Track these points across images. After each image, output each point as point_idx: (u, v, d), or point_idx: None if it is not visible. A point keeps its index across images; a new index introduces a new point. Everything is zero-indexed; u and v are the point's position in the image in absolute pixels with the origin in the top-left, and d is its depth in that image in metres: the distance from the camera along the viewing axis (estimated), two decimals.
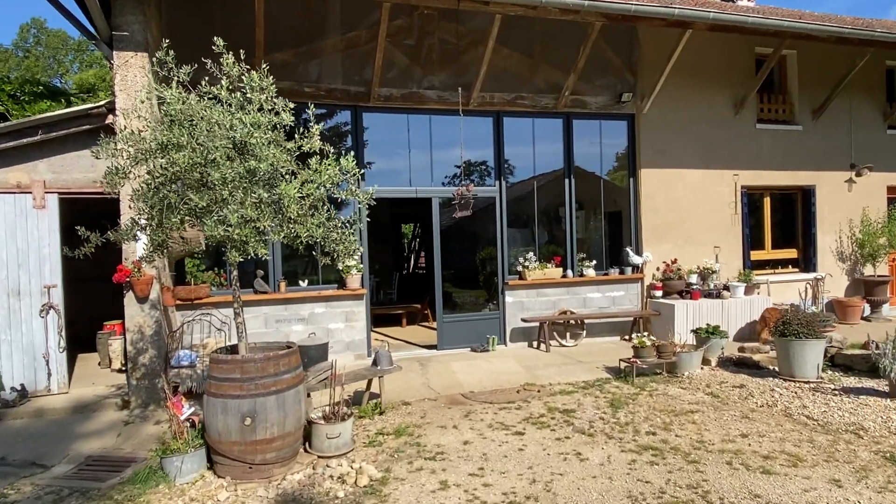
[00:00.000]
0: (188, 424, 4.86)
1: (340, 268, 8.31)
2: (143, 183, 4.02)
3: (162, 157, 3.82)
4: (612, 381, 7.25)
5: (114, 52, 6.30)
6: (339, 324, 8.41)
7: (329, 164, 4.38)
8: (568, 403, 6.34)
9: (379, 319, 11.87)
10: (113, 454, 5.16)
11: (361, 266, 8.43)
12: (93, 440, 5.59)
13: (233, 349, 4.96)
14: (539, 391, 6.83)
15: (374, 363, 6.28)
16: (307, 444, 5.04)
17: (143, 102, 4.29)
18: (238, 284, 4.66)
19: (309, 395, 5.55)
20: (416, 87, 8.77)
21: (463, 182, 8.65)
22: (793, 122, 11.05)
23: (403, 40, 8.53)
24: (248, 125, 3.80)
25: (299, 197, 4.20)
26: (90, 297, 8.69)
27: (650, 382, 7.12)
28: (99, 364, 8.04)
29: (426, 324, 11.99)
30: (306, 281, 8.43)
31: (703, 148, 10.28)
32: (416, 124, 9.02)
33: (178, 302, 7.58)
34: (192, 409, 4.76)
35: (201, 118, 3.89)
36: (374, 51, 8.00)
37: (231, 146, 3.91)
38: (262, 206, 3.99)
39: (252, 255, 3.94)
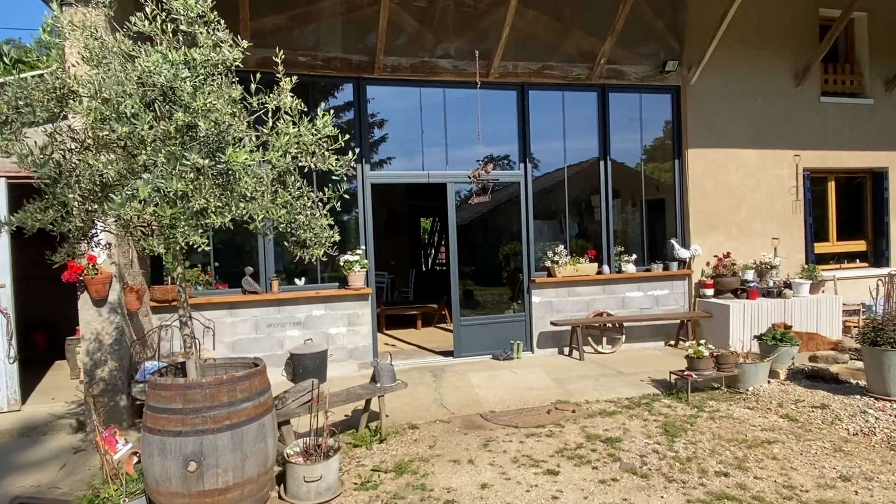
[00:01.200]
0: (134, 460, 3.84)
1: (342, 263, 7.24)
2: (39, 148, 2.96)
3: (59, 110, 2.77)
4: (661, 397, 6.04)
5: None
6: (340, 328, 7.33)
7: (301, 127, 3.27)
8: (611, 429, 5.15)
9: (392, 321, 10.79)
10: (45, 496, 4.14)
11: (366, 262, 7.34)
12: (31, 473, 4.59)
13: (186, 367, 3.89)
14: (574, 411, 5.66)
15: (373, 379, 5.18)
16: (282, 489, 3.96)
17: (63, 40, 3.22)
18: (185, 284, 3.58)
19: (288, 423, 4.47)
20: (427, 55, 7.63)
21: (480, 161, 7.48)
22: (862, 94, 9.61)
23: (413, 2, 7.40)
24: (176, 63, 2.71)
25: (272, 166, 3.14)
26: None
27: (708, 400, 5.88)
28: (71, 374, 7.10)
29: (444, 325, 10.87)
30: (303, 279, 7.37)
31: (758, 125, 8.93)
32: (429, 99, 7.88)
33: (155, 303, 6.59)
34: (129, 445, 3.70)
35: (116, 55, 2.82)
36: (377, 13, 6.88)
37: (159, 95, 2.83)
38: (202, 178, 2.89)
39: (182, 244, 2.85)
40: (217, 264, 7.16)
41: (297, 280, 7.36)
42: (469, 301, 15.60)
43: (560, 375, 6.95)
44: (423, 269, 19.31)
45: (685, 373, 6.00)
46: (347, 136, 3.68)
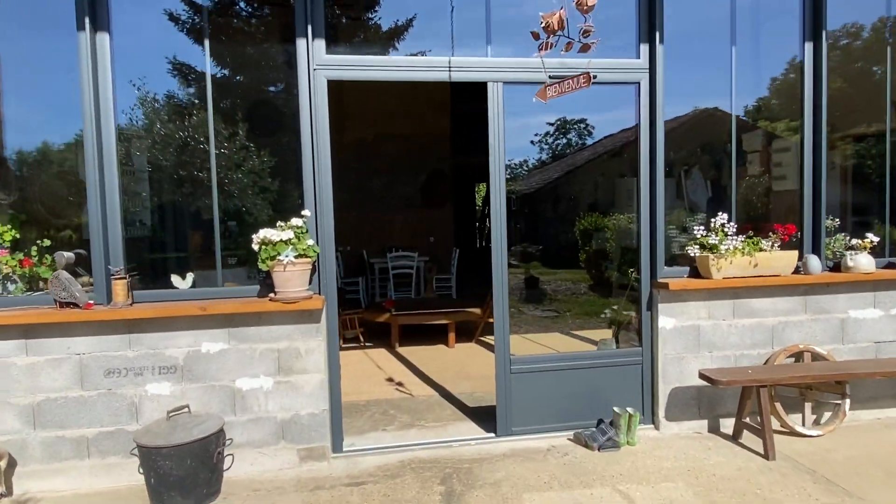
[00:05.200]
0: None
1: (258, 247, 3.42)
2: None
3: None
4: None
5: None
6: (259, 378, 3.56)
7: None
8: None
9: (410, 333, 7.01)
10: None
11: (311, 245, 3.49)
12: None
13: None
14: None
15: None
16: None
17: None
18: None
19: None
20: None
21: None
22: None
23: None
24: None
25: None
26: None
27: None
28: None
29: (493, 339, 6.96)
30: (188, 278, 3.63)
31: None
32: None
33: None
34: None
35: None
36: None
37: None
38: None
39: None
40: None
41: (174, 280, 3.62)
42: (532, 294, 11.21)
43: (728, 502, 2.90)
44: (477, 246, 15.43)
45: None
46: None
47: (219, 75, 3.82)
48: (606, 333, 5.65)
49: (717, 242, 3.90)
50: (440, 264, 10.41)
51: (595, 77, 3.17)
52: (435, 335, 6.96)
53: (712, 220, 4.00)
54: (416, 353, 6.43)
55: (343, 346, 6.82)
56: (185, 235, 4.11)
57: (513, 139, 3.97)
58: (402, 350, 6.59)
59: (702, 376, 3.79)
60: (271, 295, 3.48)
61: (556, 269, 11.09)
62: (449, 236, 11.16)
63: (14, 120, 3.72)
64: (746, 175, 5.02)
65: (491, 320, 7.04)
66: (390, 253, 9.23)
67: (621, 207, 8.46)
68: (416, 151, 10.97)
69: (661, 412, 4.04)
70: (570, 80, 3.18)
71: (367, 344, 6.88)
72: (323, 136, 3.64)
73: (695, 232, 4.01)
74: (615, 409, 3.85)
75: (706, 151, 5.48)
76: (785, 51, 4.41)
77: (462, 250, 10.42)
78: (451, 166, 11.35)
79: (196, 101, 3.87)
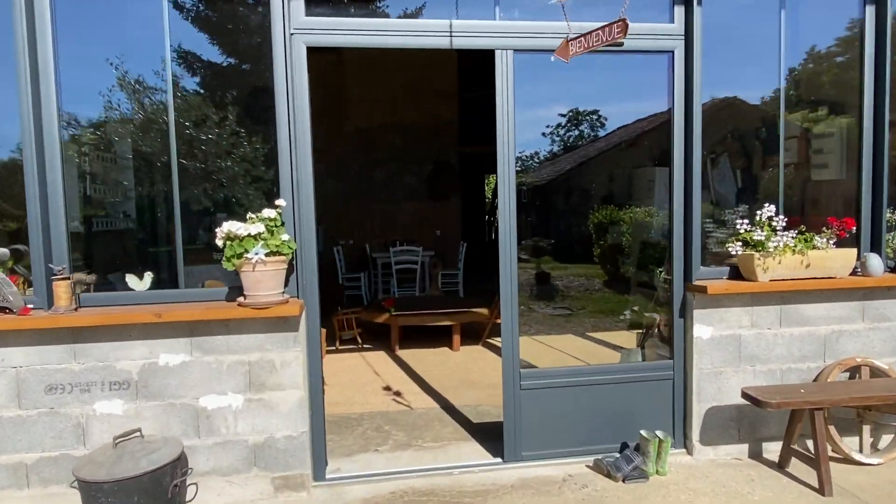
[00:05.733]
0: None
1: (222, 243, 2.91)
2: None
3: None
4: None
5: None
6: (227, 395, 3.05)
7: None
8: None
9: (412, 334, 6.51)
10: None
11: (286, 240, 2.96)
12: None
13: None
14: None
15: None
16: None
17: None
18: None
19: None
20: None
21: None
22: None
23: None
24: None
25: None
26: None
27: None
28: None
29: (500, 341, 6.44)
30: (146, 278, 3.13)
31: None
32: None
33: None
34: None
35: None
36: None
37: None
38: None
39: None
40: None
41: (129, 280, 3.12)
42: (543, 291, 10.67)
43: None
44: (486, 240, 14.91)
45: None
46: None
47: (185, 47, 3.29)
48: (626, 337, 5.12)
49: (763, 238, 3.33)
50: (446, 259, 9.89)
51: (627, 27, 2.60)
52: (438, 336, 6.45)
53: (758, 212, 3.43)
54: (418, 357, 5.91)
55: (339, 347, 6.32)
56: (166, 229, 3.61)
57: (524, 131, 3.46)
58: (402, 353, 6.08)
59: (745, 396, 3.23)
60: (240, 299, 2.97)
61: (569, 263, 10.61)
62: (456, 230, 10.61)
63: None
64: (772, 165, 4.47)
65: (499, 321, 6.53)
66: (393, 247, 8.71)
67: (640, 200, 7.91)
68: (422, 140, 10.42)
69: (695, 435, 3.49)
70: (600, 31, 2.63)
71: (364, 346, 6.37)
72: (302, 112, 3.11)
73: (737, 226, 3.44)
74: (642, 432, 3.31)
75: (735, 138, 4.94)
76: (803, 41, 3.93)
77: (470, 244, 9.88)
78: (458, 156, 10.79)
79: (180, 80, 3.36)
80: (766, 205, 3.44)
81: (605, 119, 8.44)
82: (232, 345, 3.04)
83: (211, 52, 3.38)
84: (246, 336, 3.05)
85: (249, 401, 3.08)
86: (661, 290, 4.15)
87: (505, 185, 3.29)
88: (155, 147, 3.28)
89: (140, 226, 3.42)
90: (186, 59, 3.27)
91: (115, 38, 3.24)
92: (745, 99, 4.20)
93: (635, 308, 6.26)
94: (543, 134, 7.96)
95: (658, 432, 3.32)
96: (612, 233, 9.06)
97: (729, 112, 4.97)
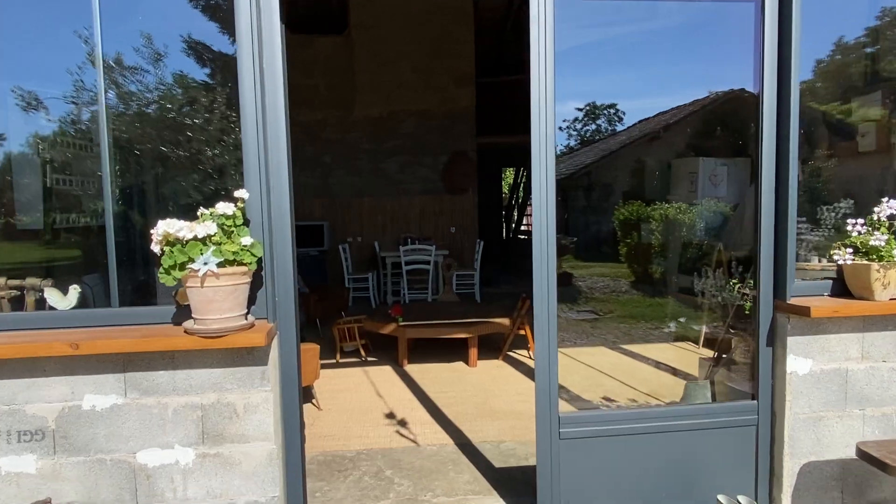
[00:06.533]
0: None
1: (158, 248, 2.16)
2: None
3: None
4: None
5: None
6: (174, 449, 2.31)
7: None
8: None
9: (421, 346, 5.77)
10: None
11: (248, 245, 2.20)
12: None
13: None
14: None
15: None
16: None
17: None
18: None
19: None
20: None
21: None
22: None
23: None
24: None
25: None
26: None
27: None
28: None
29: (527, 353, 5.70)
30: (72, 294, 2.40)
31: None
32: None
33: None
34: None
35: None
36: None
37: None
38: None
39: None
40: None
41: (49, 297, 2.39)
42: (566, 292, 9.88)
43: None
44: (504, 237, 14.15)
45: None
46: None
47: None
48: (669, 352, 4.35)
49: (882, 244, 2.51)
50: (462, 258, 9.12)
51: None
52: (453, 348, 5.68)
53: (875, 209, 2.60)
54: (429, 374, 5.15)
55: (339, 361, 5.59)
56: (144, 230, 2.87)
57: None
58: (411, 368, 5.32)
59: (863, 455, 2.41)
60: (187, 323, 2.22)
61: (592, 262, 9.85)
62: (472, 226, 9.82)
63: None
64: (830, 155, 3.68)
65: (522, 332, 5.72)
66: (403, 246, 7.96)
67: (678, 195, 7.08)
68: (436, 130, 9.64)
69: (787, 499, 2.69)
70: None
71: (369, 359, 5.63)
72: (273, 69, 2.35)
73: (848, 228, 2.62)
74: (720, 498, 2.52)
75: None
76: (830, 31, 3.21)
77: (486, 242, 9.10)
78: (475, 147, 9.99)
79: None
80: (885, 200, 2.61)
81: (623, 113, 7.90)
82: (179, 383, 2.30)
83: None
84: (198, 371, 2.31)
85: (203, 456, 2.34)
86: (730, 305, 3.34)
87: (541, 166, 2.49)
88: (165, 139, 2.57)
89: (67, 223, 2.69)
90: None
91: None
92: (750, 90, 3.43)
93: (681, 319, 5.42)
94: (560, 128, 7.75)
95: (741, 498, 2.53)
96: (644, 230, 8.26)
97: (734, 104, 4.34)
